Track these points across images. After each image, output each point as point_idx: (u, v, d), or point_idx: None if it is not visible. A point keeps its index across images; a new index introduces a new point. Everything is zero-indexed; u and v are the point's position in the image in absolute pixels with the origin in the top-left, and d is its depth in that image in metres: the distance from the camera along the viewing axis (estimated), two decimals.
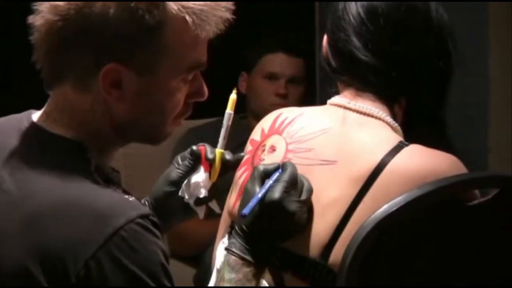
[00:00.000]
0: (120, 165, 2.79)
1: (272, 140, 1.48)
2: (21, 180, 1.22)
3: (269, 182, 1.34)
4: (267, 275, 1.39)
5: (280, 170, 1.36)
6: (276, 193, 1.32)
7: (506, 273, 1.37)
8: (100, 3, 1.21)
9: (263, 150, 1.48)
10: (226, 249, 1.36)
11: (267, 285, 1.39)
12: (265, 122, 1.52)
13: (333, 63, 1.49)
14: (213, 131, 1.84)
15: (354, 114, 1.45)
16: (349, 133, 1.43)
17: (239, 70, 3.04)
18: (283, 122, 1.49)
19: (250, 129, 1.58)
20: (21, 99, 1.31)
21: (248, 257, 1.34)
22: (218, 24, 1.25)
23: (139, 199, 1.30)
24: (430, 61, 1.47)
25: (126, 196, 1.23)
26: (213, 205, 1.55)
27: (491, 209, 1.36)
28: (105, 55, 1.22)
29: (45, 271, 1.16)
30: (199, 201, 1.51)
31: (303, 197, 1.35)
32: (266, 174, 1.36)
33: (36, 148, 1.26)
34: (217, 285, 1.36)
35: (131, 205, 1.21)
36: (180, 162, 1.52)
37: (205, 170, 1.51)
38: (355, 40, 1.45)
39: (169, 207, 1.51)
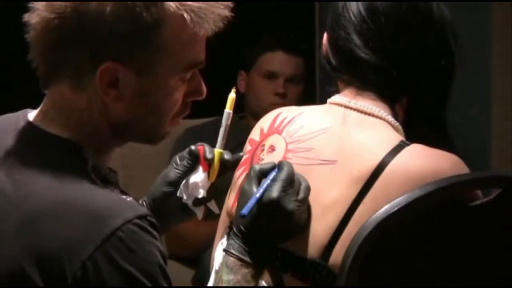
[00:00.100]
0: (118, 165, 2.79)
1: (272, 140, 1.47)
2: (18, 180, 1.22)
3: (266, 182, 1.34)
4: (266, 276, 1.39)
5: (276, 170, 1.35)
6: (274, 193, 1.32)
7: (508, 273, 1.37)
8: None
9: (262, 150, 1.48)
10: (224, 250, 1.36)
11: (266, 286, 1.39)
12: (264, 122, 1.52)
13: (333, 61, 1.49)
14: (212, 130, 1.84)
15: (355, 113, 1.45)
16: (349, 132, 1.42)
17: (238, 69, 3.04)
18: (282, 121, 1.49)
19: (249, 129, 1.58)
20: (21, 99, 1.31)
21: (246, 258, 1.34)
22: (217, 22, 1.25)
23: (136, 199, 1.29)
24: (432, 60, 1.47)
25: (124, 197, 1.23)
26: (212, 205, 1.55)
27: (493, 209, 1.36)
28: (102, 53, 1.22)
29: (41, 272, 1.16)
30: (197, 202, 1.51)
31: (301, 195, 1.35)
32: (263, 174, 1.36)
33: (32, 148, 1.26)
34: (216, 287, 1.35)
35: (128, 205, 1.21)
36: (178, 162, 1.52)
37: (204, 170, 1.51)
38: (355, 38, 1.45)
39: (167, 208, 1.51)
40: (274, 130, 1.49)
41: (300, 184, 1.36)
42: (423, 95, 1.48)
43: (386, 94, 1.46)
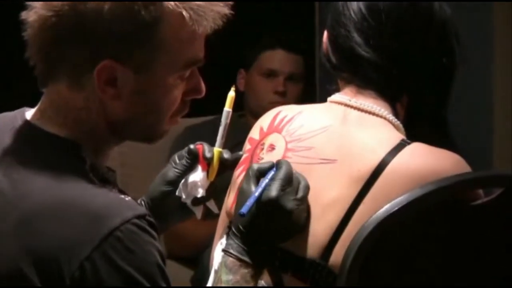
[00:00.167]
0: (116, 164, 2.79)
1: (271, 139, 1.47)
2: (16, 180, 1.22)
3: (264, 181, 1.34)
4: (266, 276, 1.39)
5: (275, 169, 1.35)
6: (273, 192, 1.32)
7: (509, 273, 1.37)
8: None
9: (262, 149, 1.48)
10: (223, 250, 1.36)
11: (266, 286, 1.39)
12: (264, 120, 1.52)
13: (333, 59, 1.49)
14: (211, 129, 1.83)
15: (355, 111, 1.45)
16: (349, 131, 1.42)
17: (237, 67, 3.04)
18: (282, 120, 1.49)
19: (248, 128, 1.58)
20: (21, 99, 1.31)
21: (245, 258, 1.34)
22: (216, 19, 1.25)
23: (135, 199, 1.29)
24: (433, 58, 1.47)
25: (122, 196, 1.23)
26: (211, 205, 1.55)
27: (494, 209, 1.36)
28: (100, 52, 1.21)
29: (39, 272, 1.16)
30: (196, 201, 1.51)
31: (300, 194, 1.34)
32: (261, 173, 1.36)
33: (30, 147, 1.26)
34: (215, 287, 1.35)
35: (127, 205, 1.21)
36: (177, 161, 1.52)
37: (203, 169, 1.51)
38: (356, 36, 1.45)
39: (166, 207, 1.51)
40: (274, 128, 1.49)
41: (299, 183, 1.36)
42: (424, 93, 1.48)
43: (387, 92, 1.46)
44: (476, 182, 1.37)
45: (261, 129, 1.51)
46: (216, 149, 1.51)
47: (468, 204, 1.36)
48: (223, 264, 1.34)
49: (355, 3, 1.47)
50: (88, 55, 1.22)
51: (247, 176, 1.36)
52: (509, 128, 2.71)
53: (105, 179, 1.26)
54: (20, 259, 1.17)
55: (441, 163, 1.37)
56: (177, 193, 1.50)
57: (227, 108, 1.53)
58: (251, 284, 1.34)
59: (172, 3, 1.22)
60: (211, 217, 1.70)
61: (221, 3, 1.26)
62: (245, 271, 1.34)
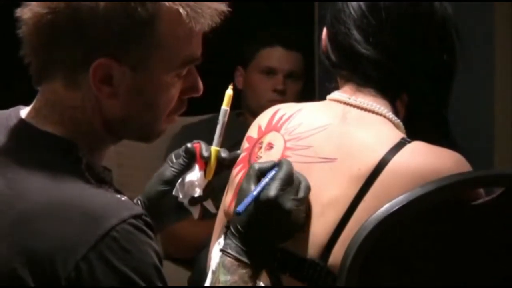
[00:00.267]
0: (112, 163, 2.79)
1: (270, 137, 1.48)
2: (11, 179, 1.22)
3: (264, 180, 1.34)
4: (264, 276, 1.39)
5: (276, 168, 1.36)
6: (272, 191, 1.32)
7: (510, 273, 1.37)
8: None
9: (260, 148, 1.48)
10: (221, 250, 1.36)
11: (264, 287, 1.39)
12: (262, 119, 1.52)
13: (332, 57, 1.49)
14: (209, 128, 1.83)
15: (355, 110, 1.45)
16: (349, 129, 1.43)
17: (235, 65, 3.04)
18: (281, 118, 1.49)
19: (246, 126, 1.58)
20: (21, 98, 1.31)
21: (243, 259, 1.34)
22: (213, 17, 1.25)
23: (131, 198, 1.30)
24: (433, 56, 1.47)
25: (118, 196, 1.23)
26: (208, 204, 1.55)
27: (496, 208, 1.36)
28: (96, 49, 1.22)
29: (34, 273, 1.16)
30: (193, 201, 1.51)
31: (301, 195, 1.35)
32: (262, 172, 1.36)
33: (25, 146, 1.26)
34: (213, 287, 1.35)
35: (123, 205, 1.21)
36: (174, 160, 1.52)
37: (200, 169, 1.51)
38: (355, 33, 1.45)
39: (163, 207, 1.51)
40: (272, 127, 1.49)
41: (299, 183, 1.36)
42: (424, 92, 1.48)
43: (387, 90, 1.46)
44: (477, 181, 1.37)
45: (259, 127, 1.51)
46: (214, 148, 1.51)
47: (469, 204, 1.36)
48: (221, 264, 1.34)
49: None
50: (84, 53, 1.22)
51: (247, 175, 1.36)
52: (509, 127, 2.72)
53: (101, 179, 1.26)
54: (15, 259, 1.17)
55: (441, 162, 1.37)
56: (174, 193, 1.50)
57: (225, 106, 1.53)
58: (249, 285, 1.34)
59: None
60: (208, 217, 1.70)
61: (218, 1, 1.26)
62: (243, 271, 1.34)
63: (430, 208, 1.34)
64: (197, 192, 1.50)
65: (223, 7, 1.26)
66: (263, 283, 1.39)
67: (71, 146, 1.25)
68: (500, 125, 2.77)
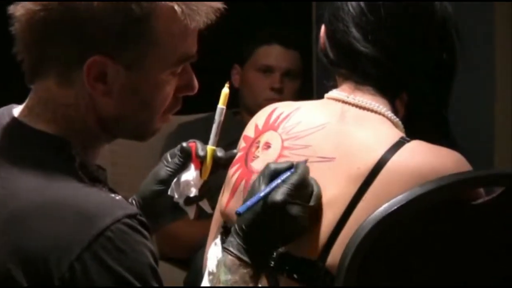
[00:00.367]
0: (107, 162, 2.79)
1: (267, 137, 1.48)
2: (4, 178, 1.22)
3: (275, 182, 1.33)
4: (262, 277, 1.39)
5: (292, 170, 1.34)
6: (279, 195, 1.31)
7: (510, 273, 1.37)
8: None
9: (257, 147, 1.48)
10: (223, 247, 1.36)
11: (262, 287, 1.39)
12: (259, 118, 1.52)
13: (331, 55, 1.49)
14: (205, 127, 1.84)
15: (353, 108, 1.45)
16: (347, 128, 1.43)
17: (232, 63, 3.04)
18: (278, 117, 1.49)
19: (243, 125, 1.58)
20: (21, 98, 1.31)
21: (245, 258, 1.34)
22: (209, 14, 1.25)
23: (126, 198, 1.29)
24: (433, 54, 1.47)
25: (113, 195, 1.23)
26: (204, 204, 1.55)
27: (496, 208, 1.37)
28: (90, 47, 1.22)
29: (26, 274, 1.16)
30: (189, 201, 1.51)
31: (312, 203, 1.34)
32: (277, 173, 1.35)
33: (18, 145, 1.26)
34: (213, 287, 1.35)
35: (117, 204, 1.21)
36: (169, 159, 1.52)
37: (196, 168, 1.51)
38: (354, 31, 1.45)
39: (158, 207, 1.51)
40: (270, 126, 1.49)
41: (312, 190, 1.35)
42: (424, 91, 1.48)
43: (386, 89, 1.46)
44: (477, 181, 1.37)
45: (256, 126, 1.51)
46: (210, 147, 1.51)
47: (469, 204, 1.36)
48: (222, 263, 1.34)
49: None
50: (78, 50, 1.22)
51: (261, 174, 1.36)
52: (510, 128, 2.73)
53: (95, 178, 1.26)
54: (8, 259, 1.17)
55: (441, 161, 1.37)
56: (169, 193, 1.50)
57: (221, 105, 1.53)
58: (250, 285, 1.34)
59: None
60: (204, 217, 1.70)
61: None
62: (244, 271, 1.34)
63: (430, 207, 1.34)
64: (193, 192, 1.50)
65: (218, 4, 1.26)
66: (260, 283, 1.39)
67: (64, 144, 1.25)
68: (500, 125, 2.77)
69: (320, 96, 1.52)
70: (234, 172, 1.49)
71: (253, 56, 2.98)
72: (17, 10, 1.24)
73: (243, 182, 1.46)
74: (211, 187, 1.54)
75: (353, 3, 1.47)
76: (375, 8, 1.45)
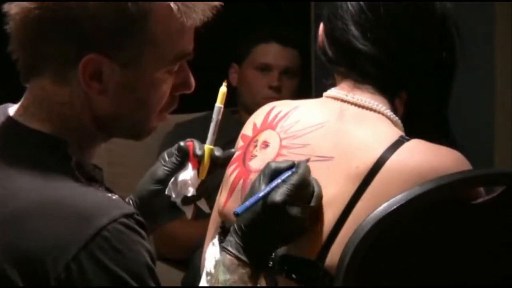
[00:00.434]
0: (103, 161, 2.79)
1: (265, 135, 1.48)
2: (1, 178, 1.22)
3: (276, 181, 1.32)
4: (260, 277, 1.39)
5: (293, 170, 1.34)
6: (279, 196, 1.31)
7: (511, 273, 1.37)
8: None
9: (255, 146, 1.48)
10: (222, 247, 1.35)
11: (259, 287, 1.39)
12: (257, 116, 1.52)
13: (329, 53, 1.49)
14: (202, 126, 1.84)
15: (352, 107, 1.45)
16: (346, 127, 1.43)
17: (230, 61, 3.04)
18: (276, 116, 1.49)
19: (241, 124, 1.58)
20: (18, 97, 1.31)
21: (243, 257, 1.33)
22: (205, 11, 1.25)
23: (123, 197, 1.29)
24: (433, 52, 1.47)
25: (109, 195, 1.23)
26: (202, 204, 1.55)
27: (496, 207, 1.37)
28: (85, 45, 1.21)
29: (22, 274, 1.16)
30: (186, 200, 1.51)
31: (312, 203, 1.34)
32: (277, 172, 1.34)
33: (13, 144, 1.26)
34: (212, 287, 1.35)
35: (114, 204, 1.21)
36: (166, 158, 1.52)
37: (193, 167, 1.51)
38: (353, 29, 1.45)
39: (155, 207, 1.51)
40: (268, 125, 1.49)
41: (313, 190, 1.35)
42: (423, 89, 1.48)
43: (385, 87, 1.46)
44: (477, 180, 1.37)
45: (254, 125, 1.51)
46: (207, 146, 1.51)
47: (469, 203, 1.36)
48: (221, 262, 1.34)
49: None
50: (73, 48, 1.22)
51: (261, 173, 1.35)
52: (510, 128, 2.73)
53: (91, 177, 1.26)
54: (4, 260, 1.17)
55: (440, 160, 1.38)
56: (166, 192, 1.50)
57: (219, 103, 1.53)
58: (249, 285, 1.34)
59: None
60: (202, 217, 1.70)
61: None
62: (242, 271, 1.34)
63: (429, 207, 1.34)
64: (190, 191, 1.50)
65: (215, 2, 1.26)
66: (259, 284, 1.39)
67: (60, 143, 1.25)
68: (500, 125, 2.78)
69: (318, 95, 1.52)
70: (232, 172, 1.49)
71: (251, 54, 2.98)
72: (12, 8, 1.24)
73: (241, 181, 1.46)
74: (208, 187, 1.54)
75: (353, 1, 1.46)
76: (375, 6, 1.45)
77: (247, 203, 1.31)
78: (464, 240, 1.37)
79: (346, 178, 1.38)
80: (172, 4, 1.22)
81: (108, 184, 1.30)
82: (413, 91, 1.47)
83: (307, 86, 3.05)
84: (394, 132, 1.42)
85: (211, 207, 1.55)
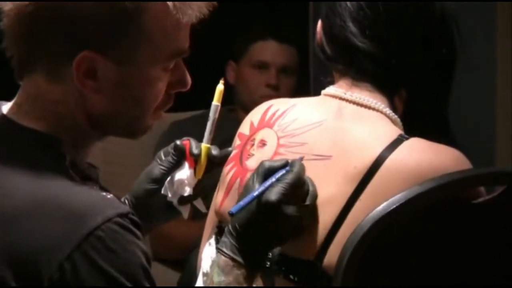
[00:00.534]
0: (99, 160, 2.77)
1: (262, 134, 1.47)
2: None
3: (270, 180, 1.32)
4: (257, 278, 1.39)
5: (287, 168, 1.34)
6: (273, 195, 1.31)
7: (511, 273, 1.37)
8: None
9: (252, 145, 1.48)
10: (217, 248, 1.35)
11: (257, 287, 1.39)
12: (255, 115, 1.52)
13: (327, 50, 1.49)
14: (199, 124, 1.84)
15: (350, 105, 1.45)
16: (345, 126, 1.43)
17: (227, 59, 3.03)
18: (274, 114, 1.49)
19: (238, 122, 1.58)
20: (12, 95, 1.31)
21: (238, 258, 1.33)
22: (201, 8, 1.25)
23: (118, 197, 1.29)
24: (432, 49, 1.47)
25: (104, 194, 1.23)
26: (199, 204, 1.55)
27: (496, 207, 1.37)
28: (79, 42, 1.21)
29: (16, 274, 1.16)
30: (183, 200, 1.51)
31: (307, 202, 1.34)
32: (271, 171, 1.34)
33: (6, 142, 1.26)
34: (207, 287, 1.35)
35: (109, 203, 1.21)
36: (163, 157, 1.52)
37: (190, 167, 1.51)
38: (351, 26, 1.45)
39: (151, 206, 1.51)
40: (265, 123, 1.49)
41: (308, 189, 1.35)
42: (423, 87, 1.48)
43: (384, 85, 1.46)
44: (477, 179, 1.37)
45: (252, 124, 1.51)
46: (204, 145, 1.51)
47: (469, 202, 1.36)
48: (216, 264, 1.34)
49: None
50: (67, 45, 1.22)
51: (255, 172, 1.35)
52: (511, 127, 2.73)
53: (86, 176, 1.26)
54: None
55: (440, 159, 1.37)
56: (162, 192, 1.50)
57: (216, 102, 1.53)
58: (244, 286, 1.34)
59: None
60: (198, 217, 1.70)
61: None
62: (238, 272, 1.33)
63: (429, 206, 1.34)
64: (187, 191, 1.50)
65: None
66: (256, 284, 1.39)
67: (55, 142, 1.25)
68: (501, 125, 2.78)
69: (317, 93, 1.52)
70: (228, 171, 1.49)
71: (248, 52, 2.97)
72: (6, 5, 1.24)
73: (238, 180, 1.46)
74: (205, 186, 1.53)
75: None
76: (373, 3, 1.45)
77: (242, 203, 1.31)
78: (464, 240, 1.37)
79: (344, 177, 1.38)
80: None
81: (103, 184, 1.30)
82: (413, 89, 1.47)
83: (305, 84, 3.05)
84: (393, 131, 1.42)
85: (207, 207, 1.55)
